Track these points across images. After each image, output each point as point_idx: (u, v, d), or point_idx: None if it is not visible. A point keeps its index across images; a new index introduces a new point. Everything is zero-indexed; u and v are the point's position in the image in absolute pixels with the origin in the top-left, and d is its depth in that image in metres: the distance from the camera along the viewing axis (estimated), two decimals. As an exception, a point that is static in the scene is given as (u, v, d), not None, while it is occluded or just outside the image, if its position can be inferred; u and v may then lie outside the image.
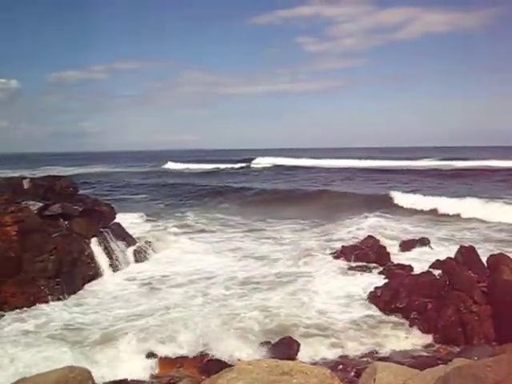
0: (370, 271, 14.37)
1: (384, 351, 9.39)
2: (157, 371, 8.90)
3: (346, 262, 15.20)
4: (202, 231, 21.99)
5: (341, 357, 9.20)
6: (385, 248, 15.72)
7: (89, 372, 6.01)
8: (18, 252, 12.93)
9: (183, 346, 9.53)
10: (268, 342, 9.56)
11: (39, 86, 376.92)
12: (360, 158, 75.40)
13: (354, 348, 9.48)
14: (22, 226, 13.29)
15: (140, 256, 16.71)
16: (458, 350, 9.46)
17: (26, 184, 15.80)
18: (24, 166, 77.40)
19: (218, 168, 68.66)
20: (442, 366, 5.08)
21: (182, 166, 74.83)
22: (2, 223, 12.95)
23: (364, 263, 14.94)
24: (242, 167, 69.42)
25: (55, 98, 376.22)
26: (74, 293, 13.60)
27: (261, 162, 77.75)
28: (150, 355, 9.25)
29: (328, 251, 16.65)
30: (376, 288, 12.11)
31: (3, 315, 11.60)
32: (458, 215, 24.04)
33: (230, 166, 70.99)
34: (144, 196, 36.01)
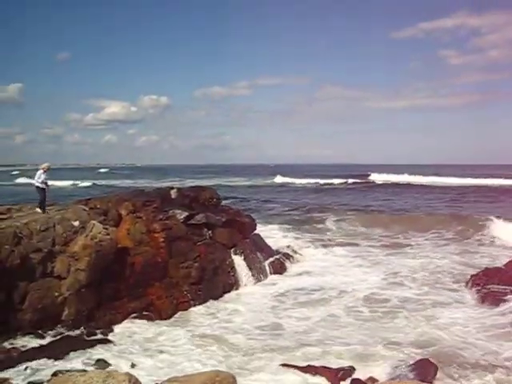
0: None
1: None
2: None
3: (488, 286, 13.87)
4: (341, 244, 21.54)
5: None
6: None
7: (233, 377, 6.01)
8: (164, 258, 13.59)
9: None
10: (404, 362, 9.15)
11: (186, 101, 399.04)
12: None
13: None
14: (169, 233, 13.98)
15: (278, 267, 16.76)
16: None
17: (173, 194, 16.53)
18: (153, 177, 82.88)
19: (345, 182, 67.39)
20: None
21: (298, 181, 73.05)
22: (151, 230, 13.71)
23: (509, 287, 13.54)
24: (356, 182, 67.36)
25: (200, 114, 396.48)
26: (214, 300, 13.98)
27: (376, 179, 74.01)
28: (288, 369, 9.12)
29: (469, 272, 15.67)
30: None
31: (152, 318, 12.24)
32: None
33: (344, 180, 69.18)
34: (276, 206, 36.16)
